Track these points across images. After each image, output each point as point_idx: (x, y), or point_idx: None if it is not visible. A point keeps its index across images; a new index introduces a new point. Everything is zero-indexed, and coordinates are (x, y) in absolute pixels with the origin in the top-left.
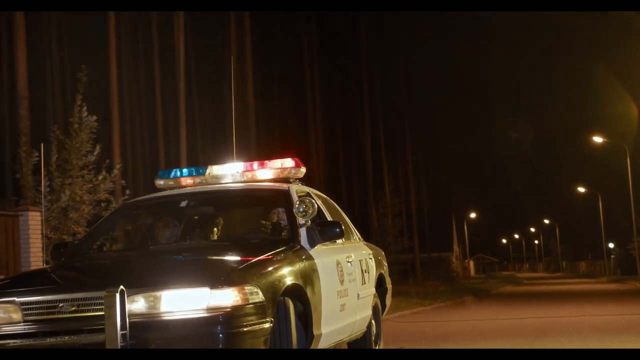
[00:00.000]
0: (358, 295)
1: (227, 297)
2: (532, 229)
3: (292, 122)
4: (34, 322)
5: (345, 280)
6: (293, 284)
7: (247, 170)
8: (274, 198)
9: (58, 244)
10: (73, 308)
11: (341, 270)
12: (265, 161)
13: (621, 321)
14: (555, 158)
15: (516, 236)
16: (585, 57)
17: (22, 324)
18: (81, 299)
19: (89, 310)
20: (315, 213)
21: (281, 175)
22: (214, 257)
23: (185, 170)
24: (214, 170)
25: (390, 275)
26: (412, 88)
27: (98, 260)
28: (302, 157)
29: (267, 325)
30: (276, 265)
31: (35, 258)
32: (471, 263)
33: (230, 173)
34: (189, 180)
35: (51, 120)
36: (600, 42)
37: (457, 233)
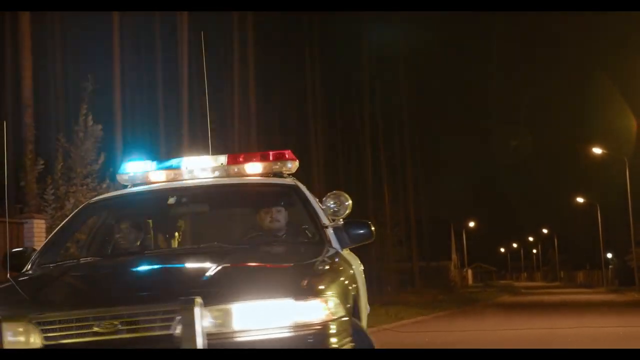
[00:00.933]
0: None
1: (315, 310)
2: (531, 239)
3: (292, 128)
4: (60, 348)
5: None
6: (355, 294)
7: (232, 163)
8: (281, 194)
9: (15, 252)
10: (118, 326)
11: (363, 280)
12: (254, 153)
13: (619, 333)
14: (555, 169)
15: (514, 245)
16: (585, 69)
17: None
18: (126, 315)
19: (139, 330)
20: (350, 210)
21: (272, 170)
22: (267, 263)
23: (154, 164)
24: (191, 162)
25: (389, 283)
26: (413, 96)
27: (101, 268)
28: (302, 165)
29: (349, 347)
30: (340, 273)
31: None
32: (469, 272)
33: (211, 166)
34: (161, 176)
35: (54, 128)
36: (601, 55)
37: (455, 242)
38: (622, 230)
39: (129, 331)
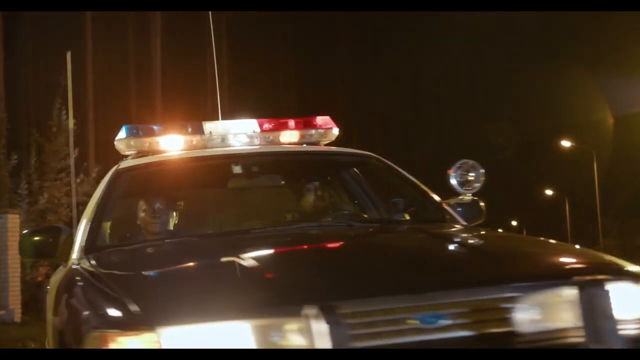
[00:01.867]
0: None
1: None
2: (500, 230)
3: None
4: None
5: None
6: None
7: (266, 130)
8: (361, 165)
9: (40, 237)
10: (448, 320)
11: None
12: (288, 119)
13: None
14: (524, 161)
15: None
16: (559, 64)
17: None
18: (462, 303)
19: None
20: (482, 183)
21: (309, 139)
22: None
23: (161, 129)
24: (217, 127)
25: None
26: (389, 91)
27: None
28: None
29: None
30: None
31: (14, 260)
32: None
33: (244, 132)
34: (176, 143)
35: (25, 123)
36: (577, 51)
37: None
38: (589, 222)
39: (464, 326)
